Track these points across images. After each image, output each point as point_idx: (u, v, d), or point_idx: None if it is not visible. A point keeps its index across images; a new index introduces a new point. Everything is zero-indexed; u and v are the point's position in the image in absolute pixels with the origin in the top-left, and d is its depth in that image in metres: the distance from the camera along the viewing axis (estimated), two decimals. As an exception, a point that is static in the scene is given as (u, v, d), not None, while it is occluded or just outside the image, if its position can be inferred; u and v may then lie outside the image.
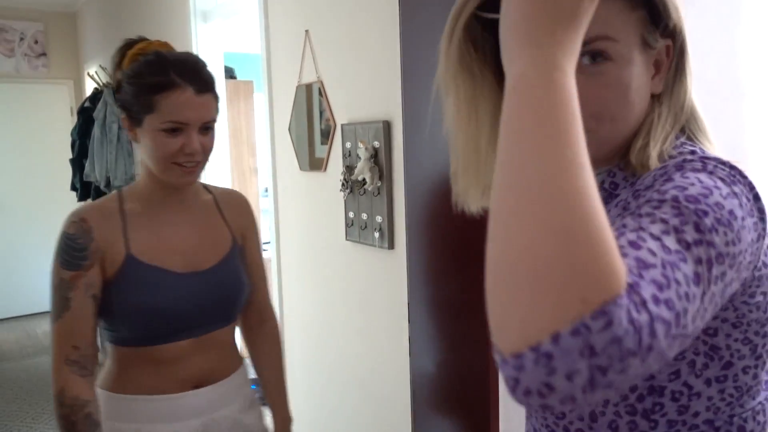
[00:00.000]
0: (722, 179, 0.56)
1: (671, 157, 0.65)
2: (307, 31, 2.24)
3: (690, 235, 0.50)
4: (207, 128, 1.26)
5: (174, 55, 1.25)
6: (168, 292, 1.26)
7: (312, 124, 2.30)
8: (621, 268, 0.43)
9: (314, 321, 2.44)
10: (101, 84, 4.76)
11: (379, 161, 1.90)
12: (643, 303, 0.44)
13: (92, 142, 4.49)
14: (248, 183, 4.55)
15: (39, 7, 5.85)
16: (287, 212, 2.56)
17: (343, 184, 2.06)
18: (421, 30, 1.55)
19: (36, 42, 5.90)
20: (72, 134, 4.90)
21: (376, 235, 1.95)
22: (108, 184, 4.36)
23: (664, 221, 0.51)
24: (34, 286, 5.76)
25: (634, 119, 0.66)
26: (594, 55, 0.62)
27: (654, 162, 0.64)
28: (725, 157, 0.62)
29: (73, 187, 4.95)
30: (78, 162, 4.80)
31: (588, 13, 0.48)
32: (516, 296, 0.43)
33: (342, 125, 2.08)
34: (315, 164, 2.31)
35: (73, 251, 1.21)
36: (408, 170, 1.66)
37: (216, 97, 1.28)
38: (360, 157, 1.93)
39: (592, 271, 0.42)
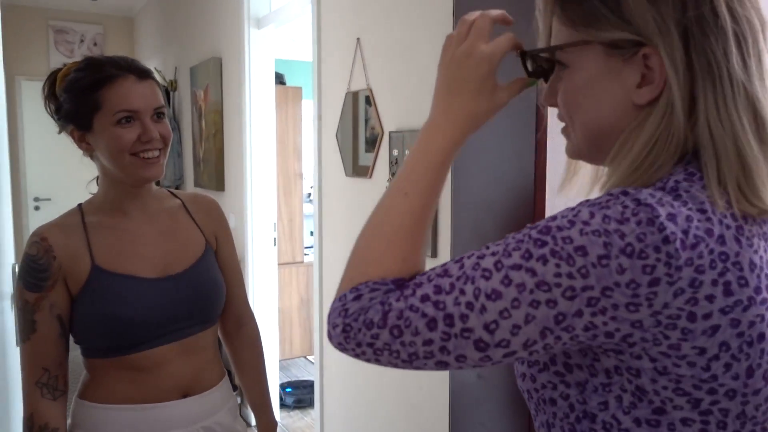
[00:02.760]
0: (607, 217, 0.56)
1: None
2: (358, 38, 2.27)
3: (513, 260, 0.59)
4: (159, 115, 1.24)
5: (105, 56, 1.26)
6: (140, 300, 1.22)
7: (357, 131, 2.33)
8: (409, 268, 0.67)
9: (354, 326, 2.45)
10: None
11: (426, 169, 1.90)
12: (407, 296, 0.62)
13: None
14: (293, 187, 4.62)
15: (99, 11, 6.06)
16: (331, 217, 2.59)
17: (388, 191, 2.07)
18: (474, 40, 1.56)
19: (95, 44, 6.11)
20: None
21: (420, 242, 1.95)
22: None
23: (504, 245, 0.61)
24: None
25: (596, 121, 0.67)
26: (555, 61, 0.70)
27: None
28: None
29: (124, 186, 5.07)
30: (130, 161, 4.93)
31: (484, 91, 0.70)
32: (353, 255, 0.70)
33: (390, 132, 2.09)
34: (359, 171, 2.33)
35: (35, 272, 1.18)
36: (454, 179, 1.67)
37: (159, 86, 1.27)
38: (407, 165, 1.94)
39: (378, 260, 0.67)
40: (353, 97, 2.33)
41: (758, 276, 0.58)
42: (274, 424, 1.49)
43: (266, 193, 3.44)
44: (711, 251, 0.56)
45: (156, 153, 1.23)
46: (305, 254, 4.71)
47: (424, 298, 0.62)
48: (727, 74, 0.60)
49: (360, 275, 0.67)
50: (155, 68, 5.15)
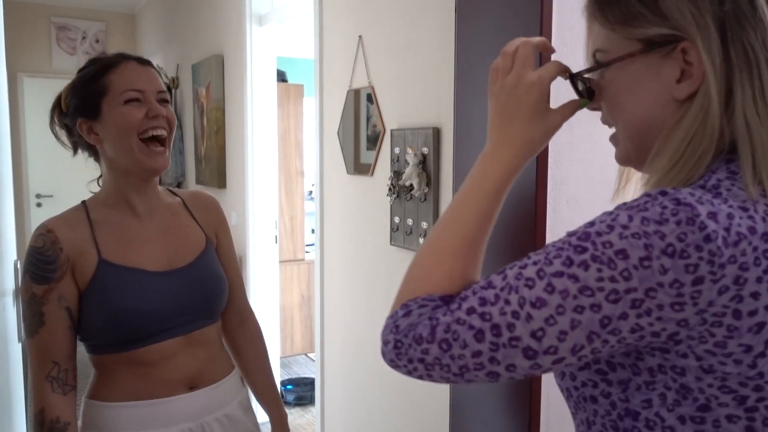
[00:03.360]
0: (645, 219, 0.57)
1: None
2: (360, 36, 2.27)
3: (554, 267, 0.60)
4: (164, 101, 1.27)
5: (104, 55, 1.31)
6: (146, 293, 1.23)
7: (359, 129, 2.33)
8: (457, 286, 0.69)
9: (355, 324, 2.45)
10: (157, 83, 4.89)
11: (427, 167, 1.91)
12: (453, 310, 0.64)
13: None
14: (294, 184, 4.62)
15: (101, 7, 6.06)
16: (332, 215, 2.59)
17: (390, 189, 2.08)
18: (476, 37, 1.55)
19: (97, 41, 6.11)
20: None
21: (421, 240, 1.95)
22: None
23: (544, 253, 0.62)
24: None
25: (640, 120, 0.68)
26: (596, 63, 0.71)
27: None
28: None
29: (126, 183, 5.08)
30: (131, 158, 4.93)
31: (536, 116, 0.71)
32: (405, 274, 0.73)
33: (392, 130, 2.09)
34: (360, 169, 2.33)
35: (42, 264, 1.18)
36: (457, 177, 1.66)
37: (160, 75, 1.31)
38: (408, 163, 1.94)
39: (426, 277, 0.70)
40: (355, 94, 2.33)
41: None
42: (285, 415, 1.50)
43: (268, 191, 3.44)
44: (755, 248, 0.56)
45: (161, 132, 1.25)
46: (306, 252, 4.72)
47: (470, 311, 0.63)
48: (766, 65, 0.60)
49: (409, 292, 0.70)
50: (157, 65, 5.15)
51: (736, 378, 0.58)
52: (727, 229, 0.56)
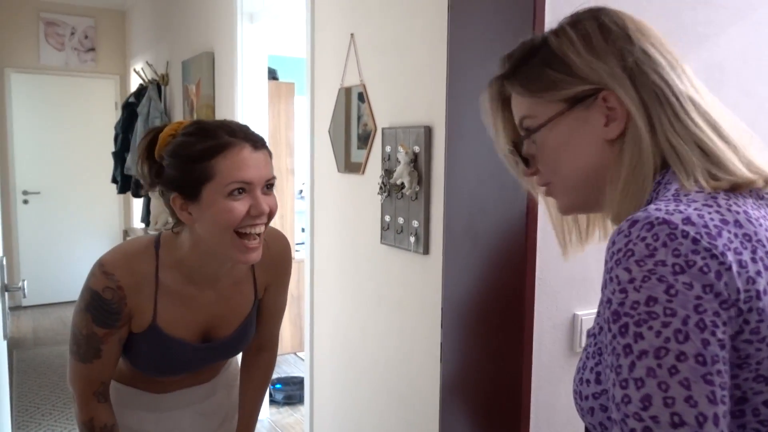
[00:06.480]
0: (640, 261, 0.61)
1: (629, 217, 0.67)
2: (352, 34, 2.26)
3: (626, 363, 0.60)
4: (270, 186, 1.18)
5: (216, 121, 1.18)
6: (181, 361, 1.33)
7: (350, 128, 2.32)
8: None
9: (345, 323, 2.45)
10: (146, 80, 4.86)
11: (419, 166, 1.90)
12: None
13: (135, 137, 4.60)
14: (285, 183, 4.60)
15: (91, 3, 6.01)
16: (323, 214, 2.58)
17: (381, 188, 2.07)
18: (469, 35, 1.55)
19: (86, 37, 6.06)
20: (116, 128, 5.02)
21: (412, 239, 1.95)
22: (148, 178, 4.45)
23: (611, 366, 0.62)
24: (70, 274, 5.90)
25: (582, 167, 0.77)
26: (527, 131, 0.81)
27: (616, 222, 0.76)
28: None
29: (114, 180, 5.06)
30: (120, 155, 4.91)
31: None
32: None
33: (383, 129, 2.09)
34: (352, 167, 2.32)
35: (107, 313, 1.21)
36: (448, 176, 1.66)
37: (270, 154, 1.21)
38: (399, 161, 1.94)
39: None
40: (346, 93, 2.32)
41: None
42: None
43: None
44: (735, 235, 0.62)
45: (261, 229, 1.18)
46: (296, 251, 4.70)
47: None
48: (672, 94, 0.72)
49: None
50: (147, 62, 5.12)
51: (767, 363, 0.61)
52: (705, 226, 0.61)
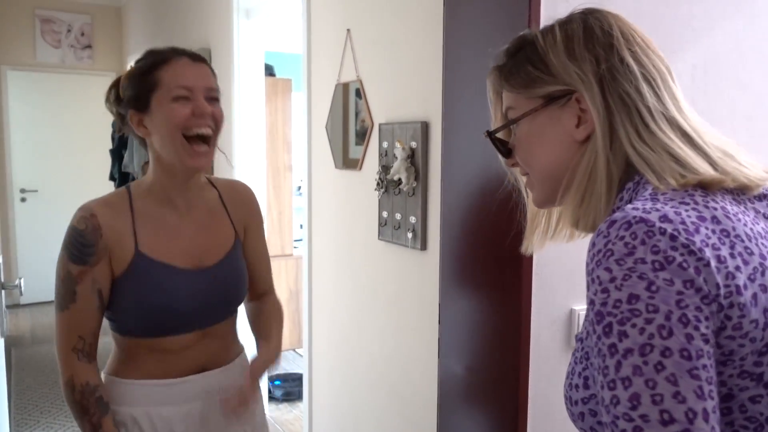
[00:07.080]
0: (619, 259, 0.61)
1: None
2: (348, 30, 2.26)
3: (611, 364, 0.60)
4: (213, 99, 1.29)
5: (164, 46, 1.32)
6: (174, 290, 1.29)
7: (347, 124, 2.32)
8: None
9: (343, 319, 2.45)
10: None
11: (416, 162, 1.90)
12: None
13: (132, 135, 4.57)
14: (282, 179, 4.60)
15: (87, 0, 5.99)
16: (321, 210, 2.58)
17: (378, 184, 2.07)
18: (465, 30, 1.55)
19: (82, 34, 6.04)
20: (113, 125, 5.01)
21: (409, 235, 1.95)
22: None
23: (599, 368, 0.62)
24: (69, 272, 5.89)
25: (552, 162, 0.80)
26: (508, 121, 0.84)
27: (588, 230, 0.78)
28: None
29: (112, 177, 5.05)
30: (117, 153, 4.90)
31: None
32: None
33: (380, 125, 2.09)
34: (349, 164, 2.32)
35: (81, 246, 1.24)
36: (445, 172, 1.66)
37: (213, 73, 1.32)
38: (396, 157, 1.94)
39: None
40: (343, 88, 2.32)
41: (757, 245, 0.64)
42: (273, 354, 1.43)
43: (256, 186, 3.41)
44: (713, 231, 0.62)
45: (206, 131, 1.26)
46: (294, 247, 4.70)
47: None
48: (644, 106, 0.73)
49: None
50: (143, 59, 5.11)
51: (751, 358, 0.61)
52: (683, 222, 0.62)
